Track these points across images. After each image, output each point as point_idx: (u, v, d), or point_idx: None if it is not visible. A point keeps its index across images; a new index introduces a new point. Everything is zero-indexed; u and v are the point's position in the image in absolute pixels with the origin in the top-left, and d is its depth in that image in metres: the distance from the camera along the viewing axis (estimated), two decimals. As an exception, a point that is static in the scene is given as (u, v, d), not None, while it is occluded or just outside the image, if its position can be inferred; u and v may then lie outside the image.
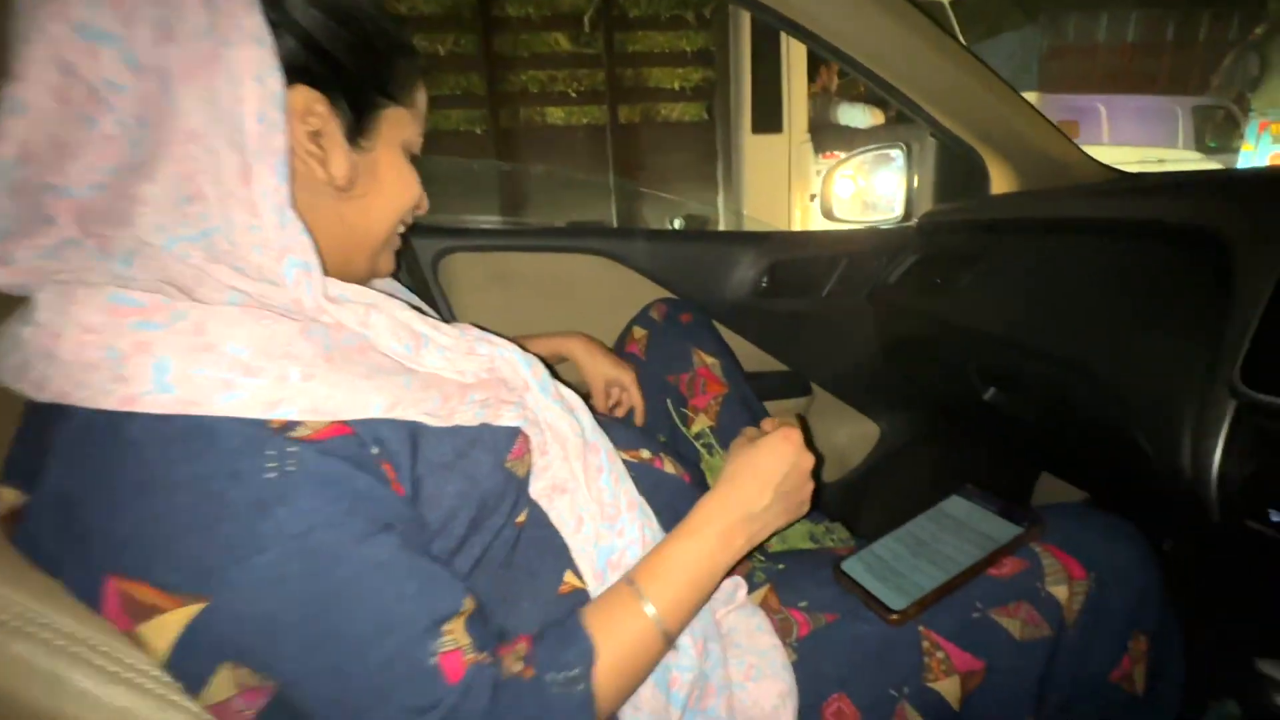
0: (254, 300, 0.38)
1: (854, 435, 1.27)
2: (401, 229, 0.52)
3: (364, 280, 0.53)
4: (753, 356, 1.17)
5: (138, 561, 0.34)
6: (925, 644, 0.53)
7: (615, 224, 2.97)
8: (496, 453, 0.47)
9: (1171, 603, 0.57)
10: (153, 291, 0.35)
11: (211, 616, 0.34)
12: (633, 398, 0.85)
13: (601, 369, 0.86)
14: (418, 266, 1.00)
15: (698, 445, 0.83)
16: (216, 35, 0.36)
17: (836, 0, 0.88)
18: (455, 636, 0.38)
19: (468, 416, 0.45)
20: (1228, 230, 0.60)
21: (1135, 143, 4.89)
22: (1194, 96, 5.16)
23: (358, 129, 0.44)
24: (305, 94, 0.40)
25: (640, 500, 0.56)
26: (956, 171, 1.11)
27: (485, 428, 0.47)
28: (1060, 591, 0.54)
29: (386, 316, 0.44)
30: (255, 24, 0.37)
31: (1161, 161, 3.96)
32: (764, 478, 0.52)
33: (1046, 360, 0.76)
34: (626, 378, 0.85)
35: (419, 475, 0.43)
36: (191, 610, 0.34)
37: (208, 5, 0.36)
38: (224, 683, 0.35)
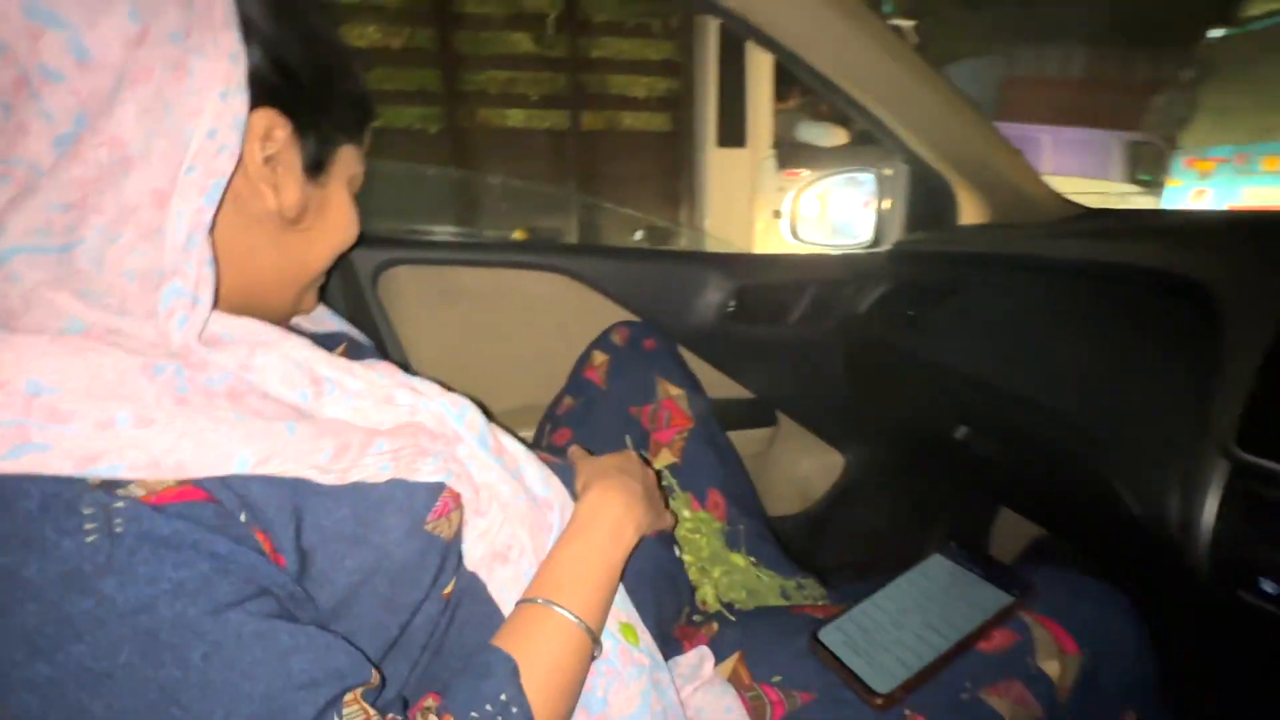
0: (95, 332, 0.31)
1: (819, 466, 1.23)
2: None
3: (283, 319, 0.46)
4: (717, 382, 1.12)
5: None
6: (911, 729, 0.48)
7: (575, 235, 2.90)
8: (413, 514, 0.40)
9: (1165, 679, 0.54)
10: None
11: None
12: None
13: None
14: (355, 280, 0.91)
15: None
16: (188, 43, 0.33)
17: (810, 14, 0.84)
18: (359, 708, 0.32)
19: (371, 471, 0.38)
20: (1214, 281, 0.58)
21: (1073, 173, 5.15)
22: (1129, 132, 5.47)
23: (317, 162, 0.42)
24: (269, 116, 0.37)
25: None
26: (926, 199, 1.09)
27: (397, 484, 0.39)
28: (1052, 667, 0.50)
29: (278, 357, 0.37)
30: (232, 40, 0.34)
31: (1109, 195, 4.17)
32: (621, 471, 0.55)
33: (1023, 404, 0.73)
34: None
35: (307, 547, 0.35)
36: None
37: (185, 8, 0.33)
38: None
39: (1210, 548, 0.52)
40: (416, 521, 0.40)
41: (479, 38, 2.80)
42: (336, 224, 0.46)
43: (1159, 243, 0.68)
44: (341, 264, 0.85)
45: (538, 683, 0.38)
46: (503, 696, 0.36)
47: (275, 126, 0.38)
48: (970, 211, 1.05)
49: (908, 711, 0.49)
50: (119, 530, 0.28)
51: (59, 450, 0.28)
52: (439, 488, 0.42)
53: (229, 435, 0.32)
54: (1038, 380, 0.71)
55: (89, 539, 0.27)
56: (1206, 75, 4.52)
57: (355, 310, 0.91)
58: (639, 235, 2.51)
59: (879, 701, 0.48)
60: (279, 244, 0.42)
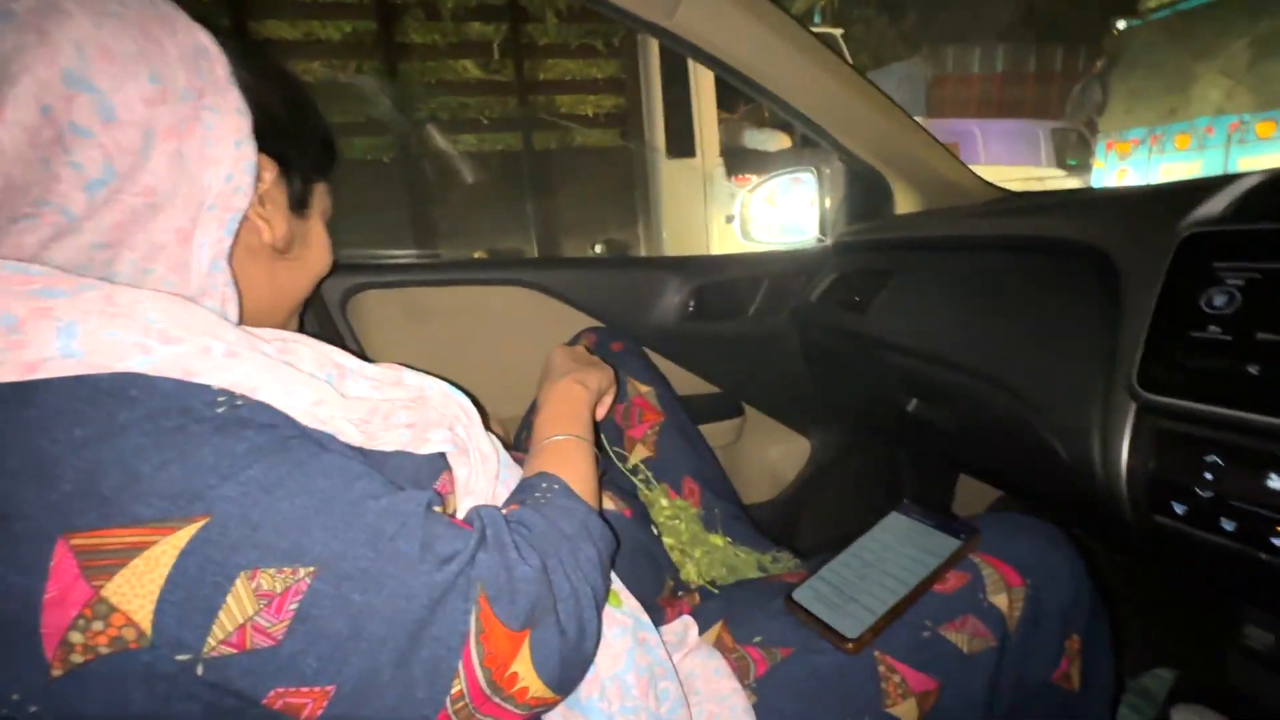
0: None
1: (786, 452, 1.28)
2: None
3: None
4: (683, 380, 1.17)
5: (97, 511, 0.30)
6: (881, 669, 0.53)
7: (535, 251, 2.93)
8: (418, 484, 0.44)
9: (1100, 600, 0.60)
10: None
11: (217, 530, 0.32)
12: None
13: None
14: (323, 307, 0.93)
15: (635, 480, 0.81)
16: (202, 101, 0.38)
17: (743, 31, 0.90)
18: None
19: (392, 438, 0.43)
20: (1111, 245, 0.65)
21: (1007, 162, 5.42)
22: (1052, 121, 5.80)
23: (301, 199, 0.48)
24: (260, 159, 0.43)
25: None
26: (863, 192, 1.16)
27: (405, 456, 0.44)
28: (1001, 601, 0.56)
29: (307, 347, 0.42)
30: (236, 97, 0.40)
31: (1040, 180, 4.39)
32: (555, 365, 0.71)
33: (961, 371, 0.79)
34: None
35: None
36: (189, 531, 0.31)
37: (193, 71, 0.38)
38: (241, 600, 0.32)
39: (1127, 480, 0.58)
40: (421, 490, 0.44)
41: (425, 66, 2.83)
42: (317, 253, 0.52)
43: (1064, 216, 0.75)
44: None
45: (564, 477, 0.50)
46: (544, 483, 0.48)
47: (265, 168, 0.44)
48: (904, 202, 1.12)
49: (877, 653, 0.53)
50: (239, 405, 0.35)
51: (167, 364, 0.33)
52: (440, 467, 0.46)
53: (292, 377, 0.38)
54: (970, 348, 0.78)
55: (219, 410, 0.34)
56: (1117, 63, 4.82)
57: (326, 335, 0.93)
58: (598, 248, 2.55)
59: (850, 646, 0.52)
60: (271, 273, 0.47)
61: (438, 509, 0.45)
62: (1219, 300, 0.54)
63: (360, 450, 0.41)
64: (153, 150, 0.36)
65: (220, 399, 0.34)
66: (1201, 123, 4.25)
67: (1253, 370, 0.50)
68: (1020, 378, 0.71)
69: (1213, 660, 0.70)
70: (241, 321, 0.42)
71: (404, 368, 0.48)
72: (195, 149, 0.38)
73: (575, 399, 0.63)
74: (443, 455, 0.47)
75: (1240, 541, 0.51)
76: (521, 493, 0.48)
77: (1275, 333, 0.50)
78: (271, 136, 0.43)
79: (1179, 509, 0.55)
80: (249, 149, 0.41)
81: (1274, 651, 0.63)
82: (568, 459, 0.54)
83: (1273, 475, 0.49)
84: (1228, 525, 0.52)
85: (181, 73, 0.37)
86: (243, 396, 0.35)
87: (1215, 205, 0.59)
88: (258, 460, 0.33)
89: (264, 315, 0.48)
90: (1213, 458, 0.53)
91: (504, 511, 0.44)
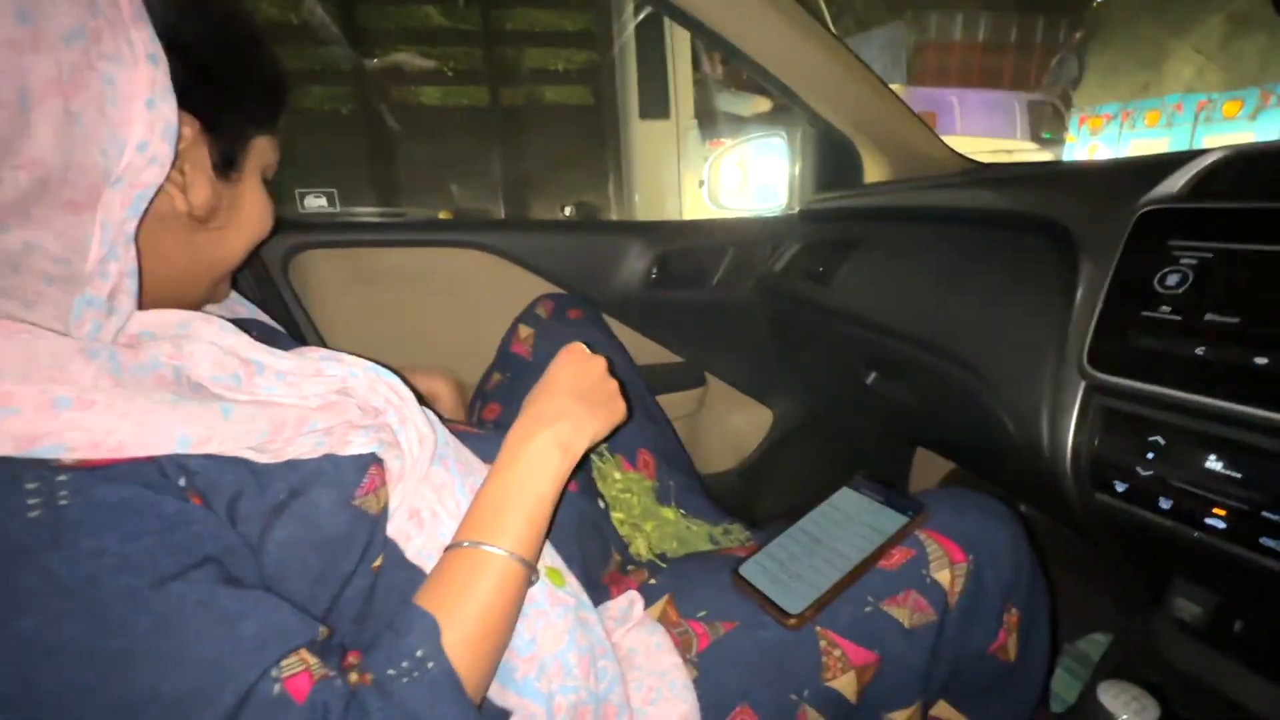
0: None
1: (748, 422, 1.28)
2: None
3: (195, 307, 0.45)
4: (644, 348, 1.15)
5: None
6: (823, 643, 0.53)
7: (502, 214, 2.84)
8: (342, 489, 0.41)
9: (1041, 575, 0.61)
10: None
11: None
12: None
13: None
14: (263, 268, 0.88)
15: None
16: (96, 47, 0.30)
17: None
18: (298, 659, 0.33)
19: (305, 448, 0.39)
20: (1070, 220, 0.64)
21: (983, 133, 5.41)
22: (1029, 92, 5.80)
23: (228, 160, 0.41)
24: (179, 116, 0.35)
25: None
26: (832, 160, 1.14)
27: (328, 459, 0.40)
28: (943, 576, 0.56)
29: (205, 344, 0.37)
30: (145, 38, 0.32)
31: (1009, 152, 4.39)
32: (554, 387, 0.52)
33: (917, 345, 0.79)
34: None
35: (238, 518, 0.35)
36: None
37: (84, 5, 0.30)
38: None
39: (1072, 458, 0.59)
40: (345, 496, 0.41)
41: (384, 11, 2.67)
42: (250, 218, 0.44)
43: (1028, 190, 0.74)
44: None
45: (464, 628, 0.39)
46: (419, 652, 0.36)
47: (183, 124, 0.36)
48: (873, 170, 1.10)
49: (818, 628, 0.53)
50: (64, 503, 0.28)
51: (1, 436, 0.27)
52: (367, 463, 0.43)
53: (169, 416, 0.32)
54: (927, 321, 0.77)
55: (33, 514, 0.27)
56: (1095, 36, 4.81)
57: (266, 298, 0.88)
58: (568, 211, 2.49)
59: (791, 621, 0.52)
60: (190, 244, 0.41)
61: (359, 504, 0.41)
62: (1172, 279, 0.53)
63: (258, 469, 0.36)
64: (32, 111, 0.29)
65: (34, 501, 0.27)
66: (1171, 100, 4.29)
67: (1199, 352, 0.50)
68: (974, 352, 0.71)
69: (1145, 628, 0.72)
70: (144, 305, 0.37)
71: (324, 352, 0.44)
72: (92, 108, 0.31)
73: (542, 472, 0.47)
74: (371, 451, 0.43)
75: (1175, 520, 0.52)
76: (391, 647, 0.37)
77: (1223, 314, 0.50)
78: (196, 87, 0.36)
79: (1120, 487, 0.55)
80: (166, 107, 0.33)
81: (1200, 622, 0.66)
82: (477, 590, 0.40)
83: (1210, 457, 0.50)
84: (1165, 505, 0.53)
85: (66, 8, 0.30)
86: (78, 482, 0.28)
87: (1174, 182, 0.58)
88: (40, 606, 0.27)
89: (182, 288, 0.42)
90: (1155, 438, 0.53)
91: (354, 681, 0.35)
